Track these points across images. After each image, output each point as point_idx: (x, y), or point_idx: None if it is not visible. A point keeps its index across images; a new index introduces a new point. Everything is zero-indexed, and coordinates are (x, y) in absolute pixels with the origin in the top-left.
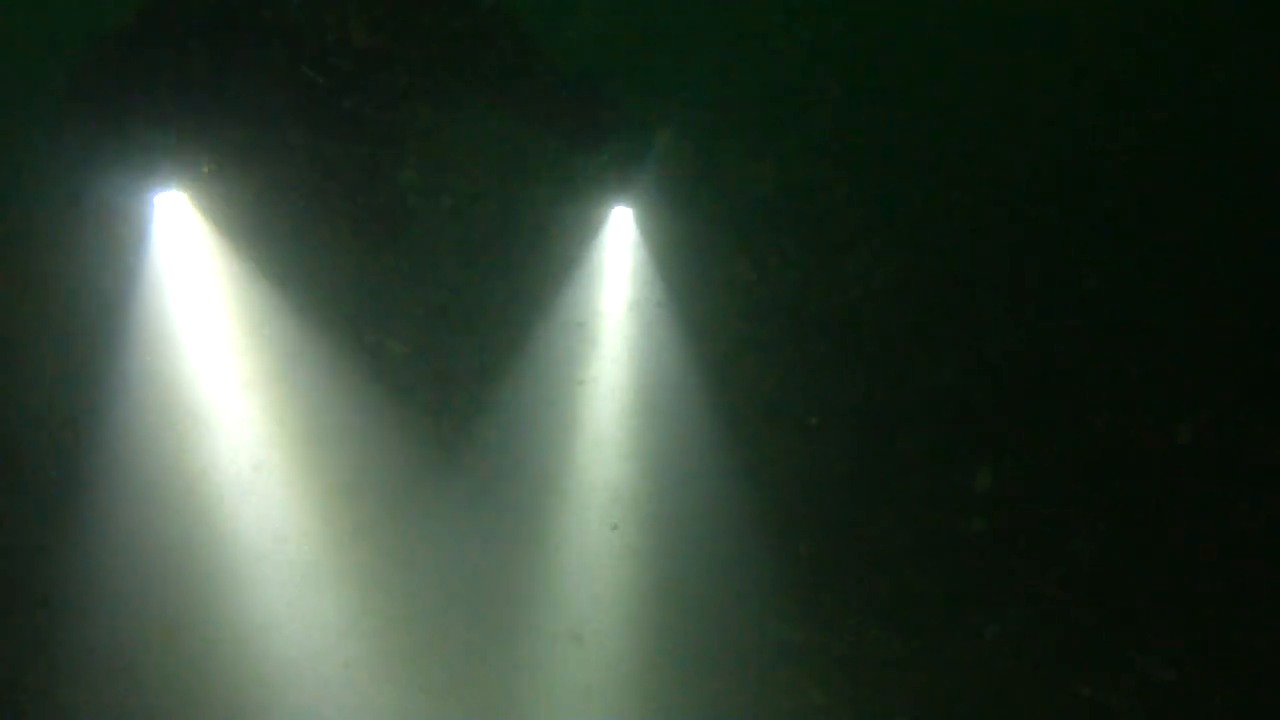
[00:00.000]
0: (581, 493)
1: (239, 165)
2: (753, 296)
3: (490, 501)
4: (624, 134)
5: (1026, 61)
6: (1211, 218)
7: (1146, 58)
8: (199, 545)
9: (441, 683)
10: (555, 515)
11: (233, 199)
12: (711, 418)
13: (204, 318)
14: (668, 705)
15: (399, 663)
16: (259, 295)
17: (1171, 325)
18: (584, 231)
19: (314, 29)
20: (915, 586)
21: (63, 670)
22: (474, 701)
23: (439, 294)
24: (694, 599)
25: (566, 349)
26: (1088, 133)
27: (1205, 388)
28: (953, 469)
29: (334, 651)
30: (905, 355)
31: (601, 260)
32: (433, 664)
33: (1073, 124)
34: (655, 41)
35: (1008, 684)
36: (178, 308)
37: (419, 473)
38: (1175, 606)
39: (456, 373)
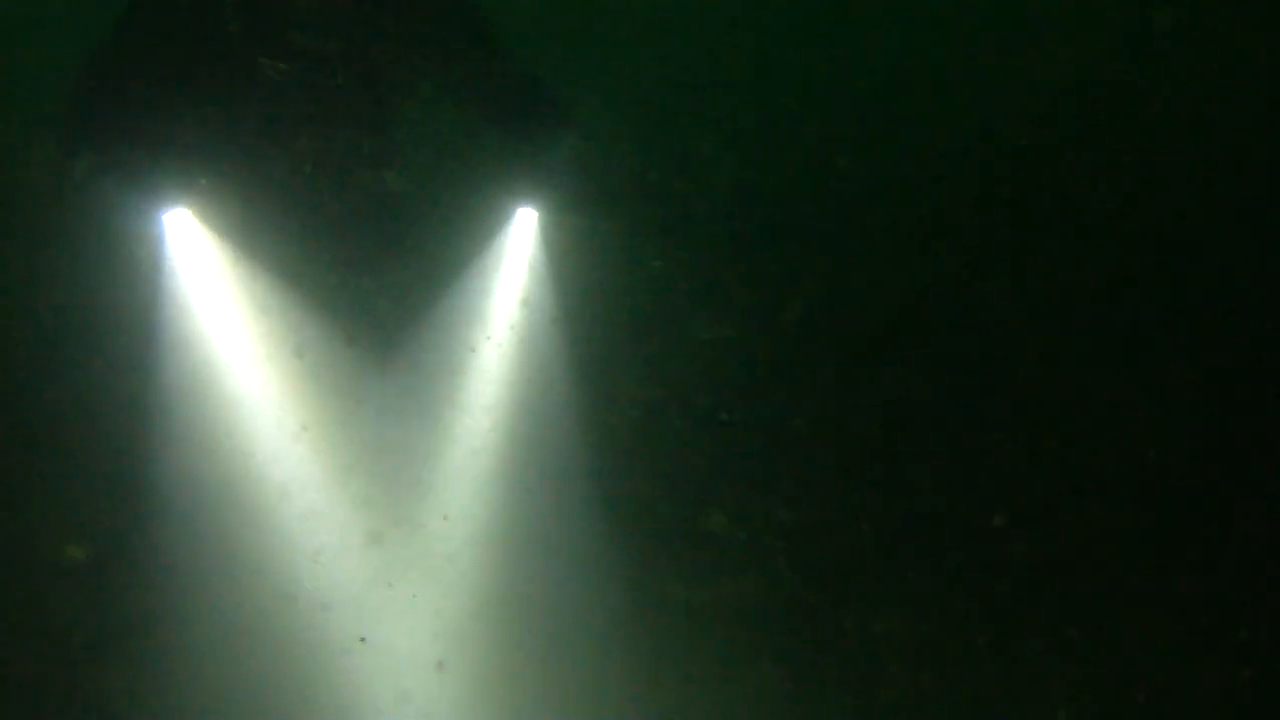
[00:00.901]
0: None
1: (233, 173)
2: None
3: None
4: (565, 131)
5: (971, 55)
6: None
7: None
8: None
9: None
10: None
11: (232, 207)
12: (596, 423)
13: (227, 322)
14: None
15: None
16: (273, 295)
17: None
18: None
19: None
20: (808, 587)
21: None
22: None
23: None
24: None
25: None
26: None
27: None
28: (864, 470)
29: None
30: (820, 360)
31: (499, 263)
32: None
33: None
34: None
35: (883, 687)
36: (202, 316)
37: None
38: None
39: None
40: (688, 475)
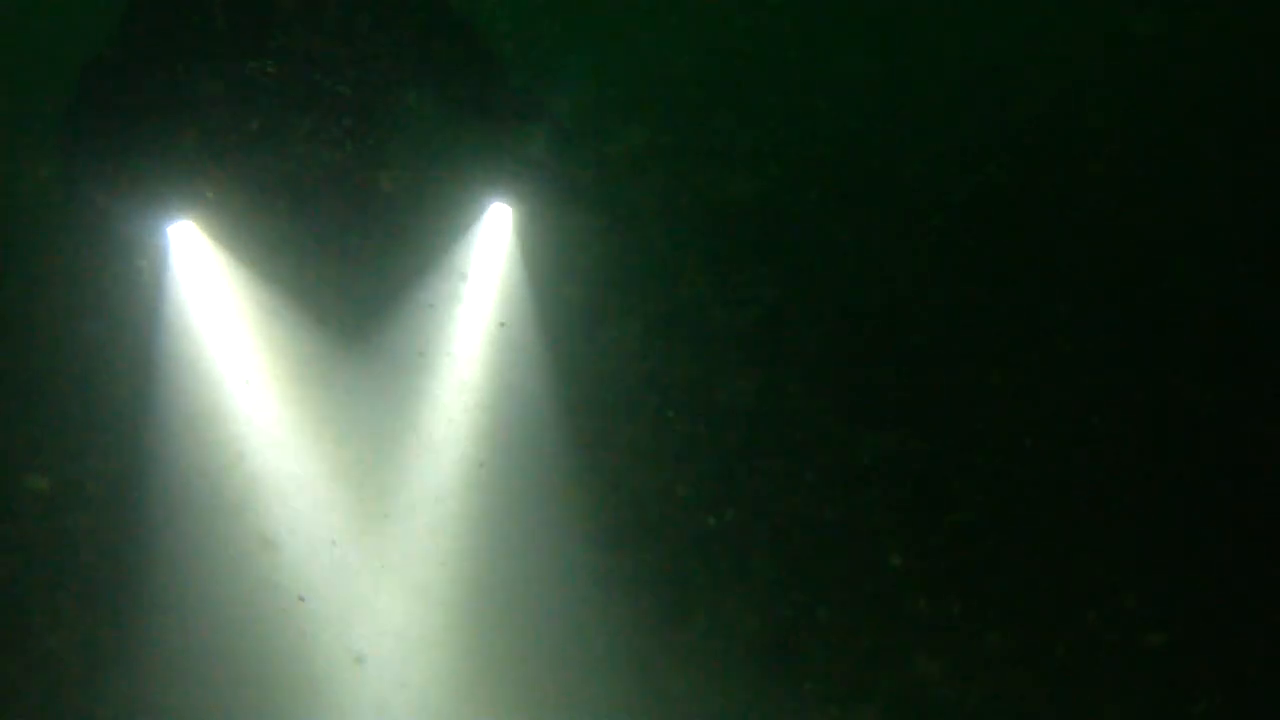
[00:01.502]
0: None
1: (239, 186)
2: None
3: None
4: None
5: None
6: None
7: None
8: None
9: None
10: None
11: (239, 219)
12: (564, 424)
13: (230, 334)
14: None
15: None
16: (278, 307)
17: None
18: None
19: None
20: (779, 585)
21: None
22: None
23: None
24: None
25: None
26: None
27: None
28: (800, 472)
29: None
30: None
31: (473, 257)
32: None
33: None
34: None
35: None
36: (206, 328)
37: None
38: None
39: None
40: (655, 475)
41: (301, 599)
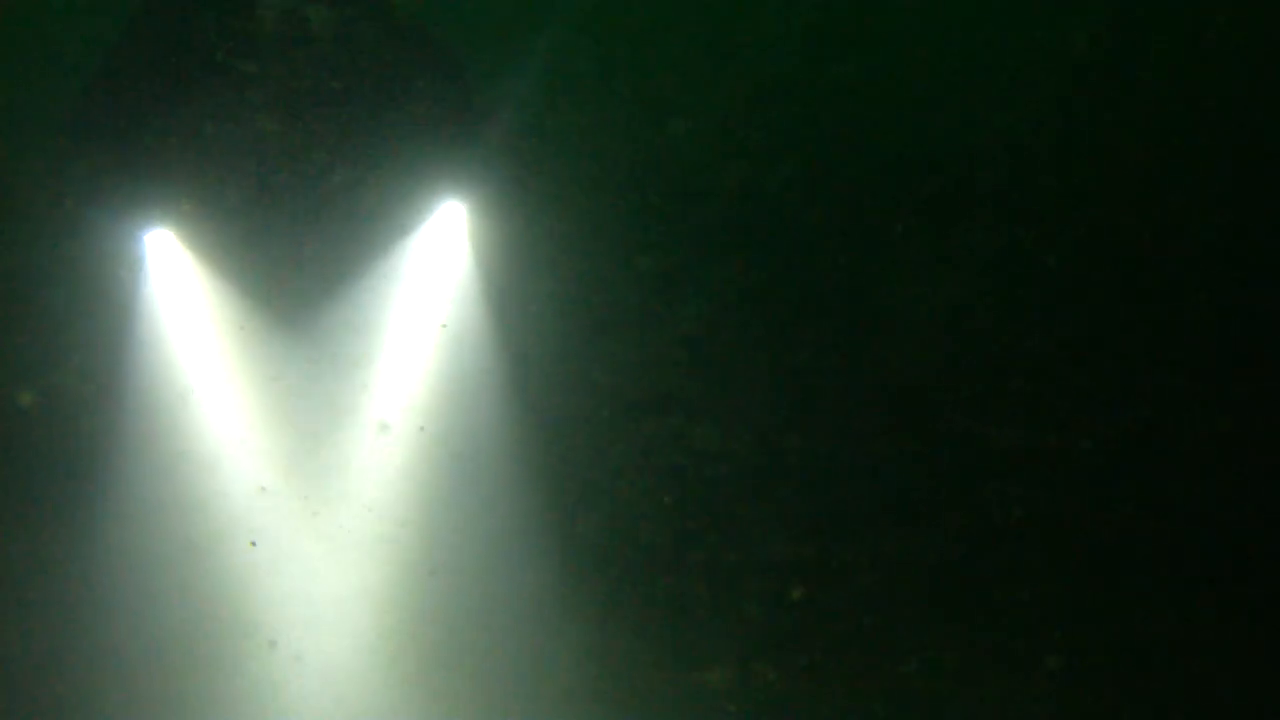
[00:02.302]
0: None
1: (214, 199)
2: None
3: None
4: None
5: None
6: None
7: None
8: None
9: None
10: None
11: (214, 229)
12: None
13: (199, 335)
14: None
15: None
16: (245, 312)
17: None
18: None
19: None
20: (688, 587)
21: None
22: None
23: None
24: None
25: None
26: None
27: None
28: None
29: None
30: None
31: (426, 258)
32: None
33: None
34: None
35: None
36: (175, 331)
37: None
38: None
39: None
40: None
41: (253, 544)
